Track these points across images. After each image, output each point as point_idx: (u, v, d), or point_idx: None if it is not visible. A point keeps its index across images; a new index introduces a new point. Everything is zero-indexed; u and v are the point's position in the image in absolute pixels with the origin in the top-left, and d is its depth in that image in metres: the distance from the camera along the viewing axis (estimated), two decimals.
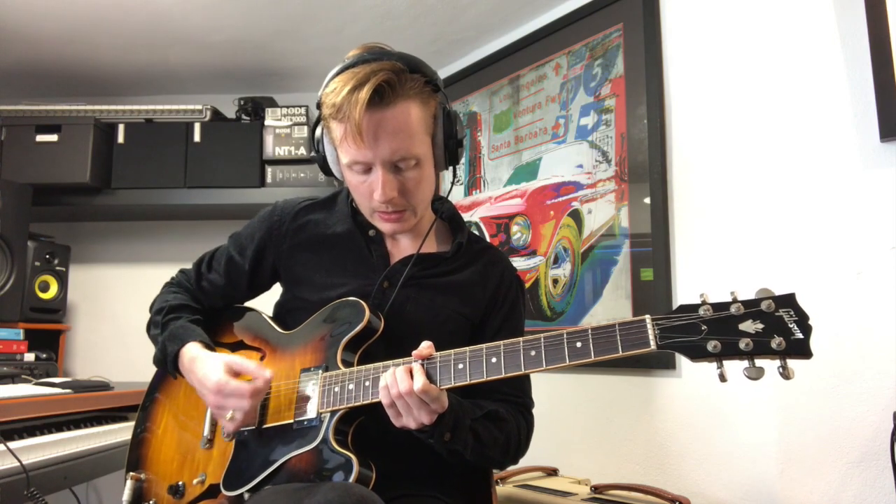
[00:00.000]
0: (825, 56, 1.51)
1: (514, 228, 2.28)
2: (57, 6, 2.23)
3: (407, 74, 1.04)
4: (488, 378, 0.95)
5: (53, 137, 2.49)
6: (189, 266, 1.35)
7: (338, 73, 1.06)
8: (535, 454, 1.17)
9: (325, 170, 1.17)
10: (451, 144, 1.12)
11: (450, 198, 1.31)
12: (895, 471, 1.24)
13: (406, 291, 1.16)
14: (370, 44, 1.10)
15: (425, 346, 0.98)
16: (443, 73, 2.67)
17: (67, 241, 2.65)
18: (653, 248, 1.82)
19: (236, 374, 1.09)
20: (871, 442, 1.36)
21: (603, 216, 1.98)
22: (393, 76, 1.01)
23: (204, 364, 1.11)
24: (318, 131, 1.14)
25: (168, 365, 1.19)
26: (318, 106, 1.11)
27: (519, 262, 2.21)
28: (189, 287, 1.31)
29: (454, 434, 1.00)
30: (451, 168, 1.16)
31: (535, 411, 1.22)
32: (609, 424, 1.90)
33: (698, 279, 1.72)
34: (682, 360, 1.74)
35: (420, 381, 0.94)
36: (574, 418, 1.99)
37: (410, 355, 1.01)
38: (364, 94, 0.98)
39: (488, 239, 2.32)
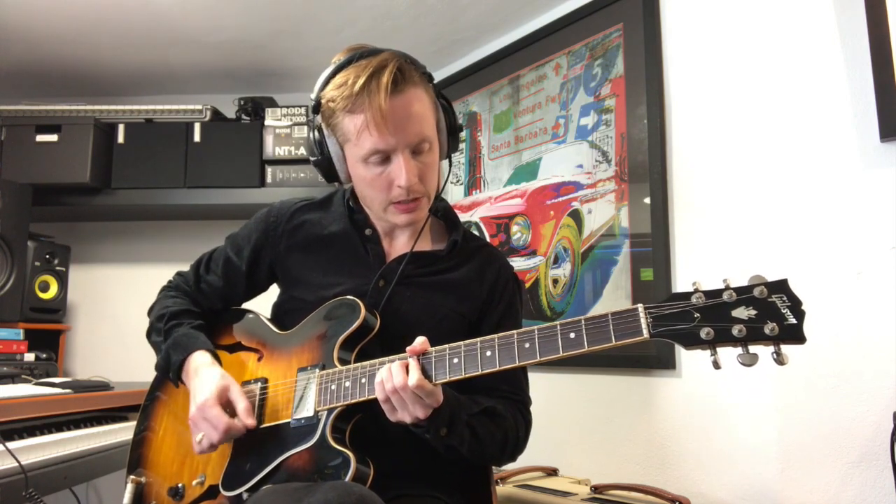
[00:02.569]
0: (825, 56, 1.50)
1: (514, 228, 2.28)
2: (57, 6, 2.23)
3: (410, 63, 1.07)
4: (483, 371, 0.95)
5: (53, 137, 2.49)
6: (187, 268, 1.35)
7: (336, 72, 1.07)
8: (534, 454, 1.17)
9: (329, 173, 1.15)
10: (453, 130, 1.16)
11: (449, 198, 1.32)
12: (895, 471, 1.24)
13: (401, 289, 1.16)
14: (355, 45, 1.12)
15: (419, 342, 0.98)
16: (443, 73, 2.67)
17: (67, 241, 2.65)
18: (653, 248, 1.82)
19: (226, 401, 1.09)
20: (871, 442, 1.36)
21: (603, 216, 1.98)
22: (403, 63, 1.05)
23: (202, 378, 1.11)
24: (315, 135, 1.13)
25: (171, 374, 1.18)
26: (316, 108, 1.10)
27: (519, 262, 2.21)
28: (187, 290, 1.31)
29: (450, 429, 1.00)
30: (448, 159, 1.19)
31: (535, 411, 1.21)
32: (609, 424, 1.90)
33: (698, 279, 1.71)
34: (682, 360, 1.74)
35: (415, 376, 0.94)
36: (574, 418, 1.99)
37: (406, 352, 1.01)
38: (385, 78, 1.01)
39: (488, 239, 2.32)
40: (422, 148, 1.08)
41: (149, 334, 1.27)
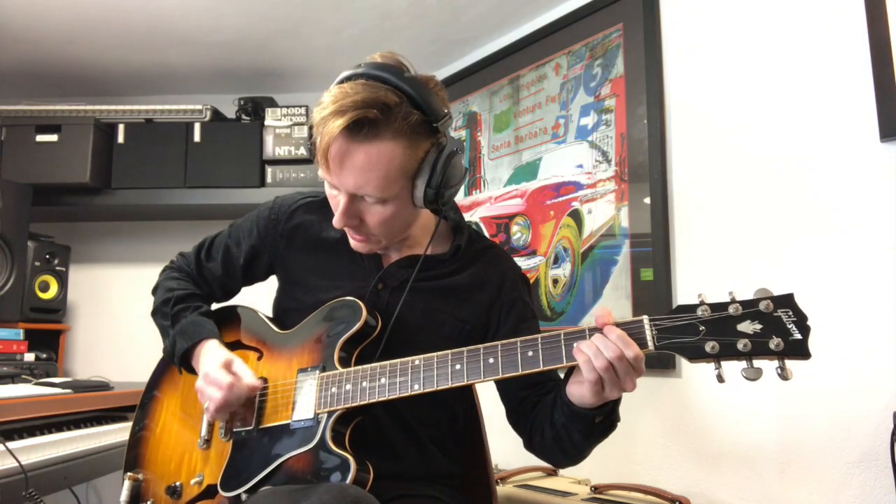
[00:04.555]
0: (825, 56, 1.50)
1: (514, 228, 2.27)
2: (57, 6, 2.23)
3: (402, 110, 0.96)
4: (485, 378, 0.95)
5: (53, 137, 2.49)
6: (188, 250, 1.35)
7: (341, 82, 1.01)
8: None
9: None
10: (429, 192, 1.02)
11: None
12: (895, 471, 1.23)
13: (400, 294, 1.14)
14: (388, 54, 1.04)
15: (607, 313, 0.91)
16: (443, 73, 2.66)
17: (67, 241, 2.65)
18: (653, 248, 1.82)
19: (231, 372, 1.09)
20: (871, 442, 1.36)
21: (603, 216, 1.97)
22: (379, 115, 0.94)
23: (208, 357, 1.13)
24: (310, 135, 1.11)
25: (176, 360, 1.19)
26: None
27: (519, 262, 2.18)
28: (189, 272, 1.32)
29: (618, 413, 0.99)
30: (436, 211, 1.12)
31: None
32: None
33: (698, 279, 1.72)
34: (682, 361, 1.74)
35: (635, 348, 0.88)
36: None
37: (405, 357, 1.00)
38: (338, 125, 0.93)
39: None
40: (365, 200, 1.03)
41: (154, 314, 1.28)
